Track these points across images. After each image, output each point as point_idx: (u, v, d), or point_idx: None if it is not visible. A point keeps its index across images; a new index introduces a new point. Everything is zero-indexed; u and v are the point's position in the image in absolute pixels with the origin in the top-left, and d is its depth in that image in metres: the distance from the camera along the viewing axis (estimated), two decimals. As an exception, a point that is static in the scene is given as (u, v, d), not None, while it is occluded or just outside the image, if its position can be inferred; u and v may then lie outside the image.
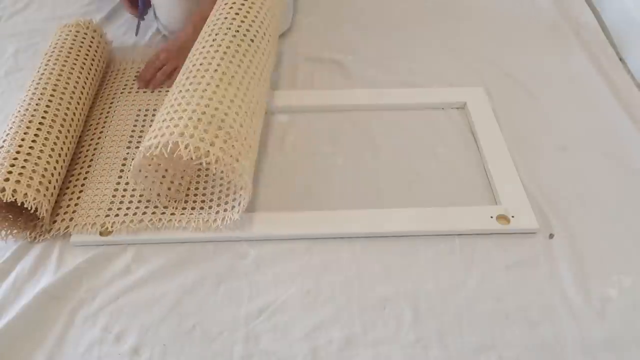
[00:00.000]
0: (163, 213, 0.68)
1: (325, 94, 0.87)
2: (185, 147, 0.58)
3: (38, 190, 0.63)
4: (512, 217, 0.68)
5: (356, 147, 0.79)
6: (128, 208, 0.69)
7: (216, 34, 0.71)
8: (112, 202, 0.69)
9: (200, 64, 0.67)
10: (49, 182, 0.66)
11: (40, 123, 0.69)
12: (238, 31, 0.72)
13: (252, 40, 0.72)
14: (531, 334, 0.59)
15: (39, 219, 0.67)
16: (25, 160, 0.64)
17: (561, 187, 0.73)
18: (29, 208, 0.62)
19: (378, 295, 0.62)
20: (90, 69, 0.83)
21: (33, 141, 0.67)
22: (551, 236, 0.68)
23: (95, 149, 0.77)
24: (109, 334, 0.59)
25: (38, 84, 0.74)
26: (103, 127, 0.81)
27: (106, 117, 0.82)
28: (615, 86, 0.87)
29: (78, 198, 0.71)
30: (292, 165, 0.76)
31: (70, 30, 0.84)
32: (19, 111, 0.71)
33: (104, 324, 0.60)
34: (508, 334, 0.59)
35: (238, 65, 0.68)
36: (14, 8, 1.08)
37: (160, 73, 0.85)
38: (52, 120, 0.71)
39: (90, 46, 0.84)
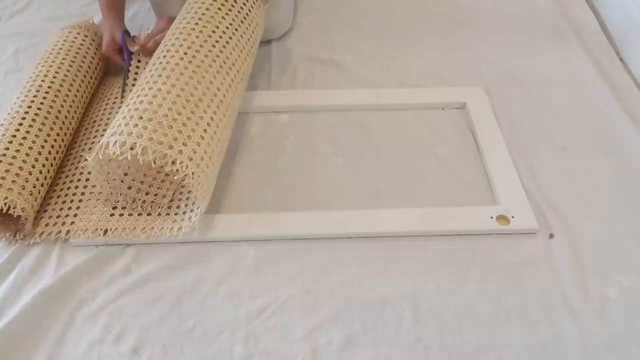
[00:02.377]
0: (155, 220, 0.67)
1: (325, 94, 0.87)
2: (113, 145, 0.58)
3: (10, 190, 0.63)
4: (512, 217, 0.68)
5: (356, 147, 0.79)
6: (121, 215, 0.68)
7: (173, 33, 0.71)
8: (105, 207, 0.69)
9: (153, 61, 0.68)
10: (26, 181, 0.65)
11: (19, 124, 0.69)
12: (197, 24, 0.70)
13: (209, 36, 0.70)
14: (531, 334, 0.59)
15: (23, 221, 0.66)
16: None
17: (561, 187, 0.73)
18: (0, 208, 0.62)
19: (378, 295, 0.62)
20: (88, 70, 0.82)
21: (10, 142, 0.66)
22: (551, 236, 0.68)
23: (91, 150, 0.77)
24: (109, 334, 0.59)
25: (30, 90, 0.74)
26: (101, 127, 0.80)
27: (101, 117, 0.82)
28: (615, 86, 0.87)
29: (71, 202, 0.70)
30: (292, 165, 0.76)
31: (70, 32, 0.84)
32: (9, 112, 0.71)
33: (104, 324, 0.60)
34: (508, 334, 0.59)
35: (181, 58, 0.66)
36: (14, 8, 1.08)
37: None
38: (33, 119, 0.70)
39: (85, 46, 0.84)
